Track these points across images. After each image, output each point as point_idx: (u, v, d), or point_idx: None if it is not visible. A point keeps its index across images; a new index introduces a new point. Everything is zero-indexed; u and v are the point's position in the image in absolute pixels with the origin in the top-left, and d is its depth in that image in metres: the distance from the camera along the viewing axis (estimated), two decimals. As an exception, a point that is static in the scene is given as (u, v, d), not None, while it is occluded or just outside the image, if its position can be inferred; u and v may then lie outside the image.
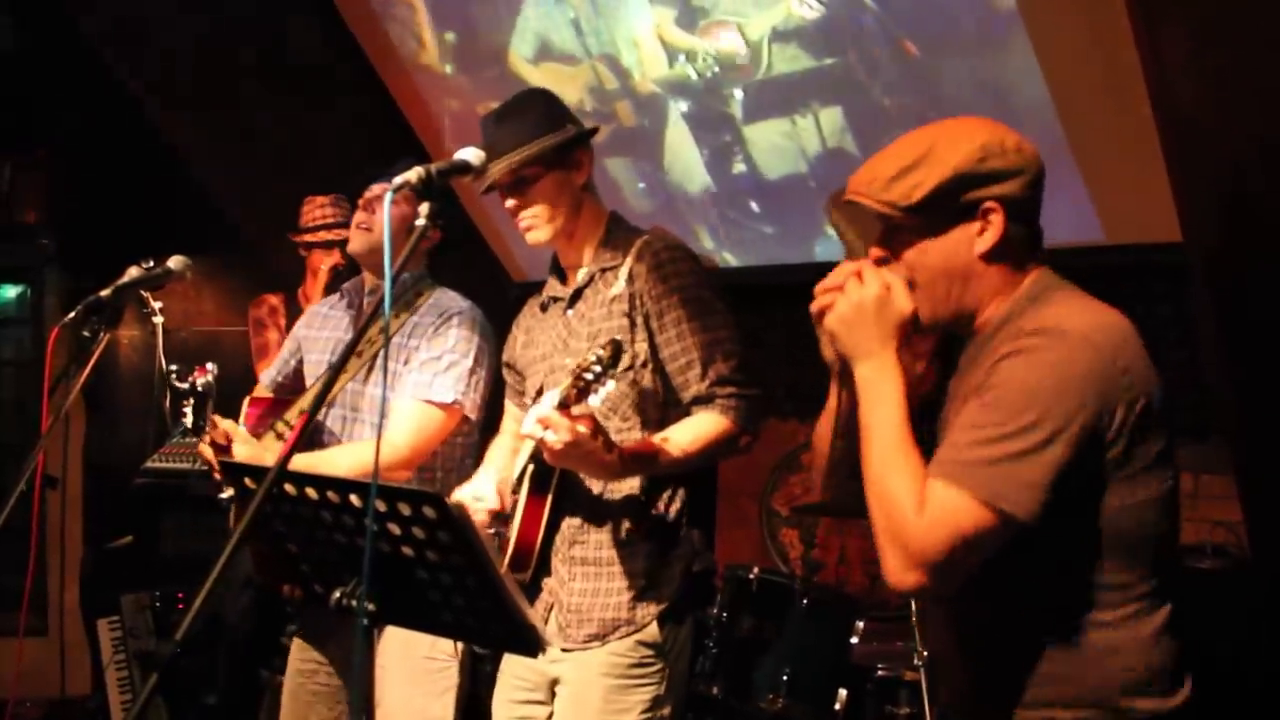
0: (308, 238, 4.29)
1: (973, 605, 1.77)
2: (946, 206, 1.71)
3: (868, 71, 4.05)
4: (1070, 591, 1.69)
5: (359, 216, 3.06)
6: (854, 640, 3.73)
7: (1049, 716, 1.71)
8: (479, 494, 2.62)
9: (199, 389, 2.69)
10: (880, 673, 3.64)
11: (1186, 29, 3.06)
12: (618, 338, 2.24)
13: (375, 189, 3.03)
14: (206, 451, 2.78)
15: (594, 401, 2.22)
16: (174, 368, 2.72)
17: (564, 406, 2.23)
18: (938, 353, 1.93)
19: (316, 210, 4.31)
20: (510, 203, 2.58)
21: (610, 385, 2.21)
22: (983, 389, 1.66)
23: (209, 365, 2.73)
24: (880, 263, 1.78)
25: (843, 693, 3.55)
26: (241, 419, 2.99)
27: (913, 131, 1.78)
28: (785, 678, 3.53)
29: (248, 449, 2.79)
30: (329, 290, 4.23)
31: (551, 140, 2.52)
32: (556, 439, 2.23)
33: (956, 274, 1.74)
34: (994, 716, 1.77)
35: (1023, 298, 1.75)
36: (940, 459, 1.66)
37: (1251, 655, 3.31)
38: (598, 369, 2.20)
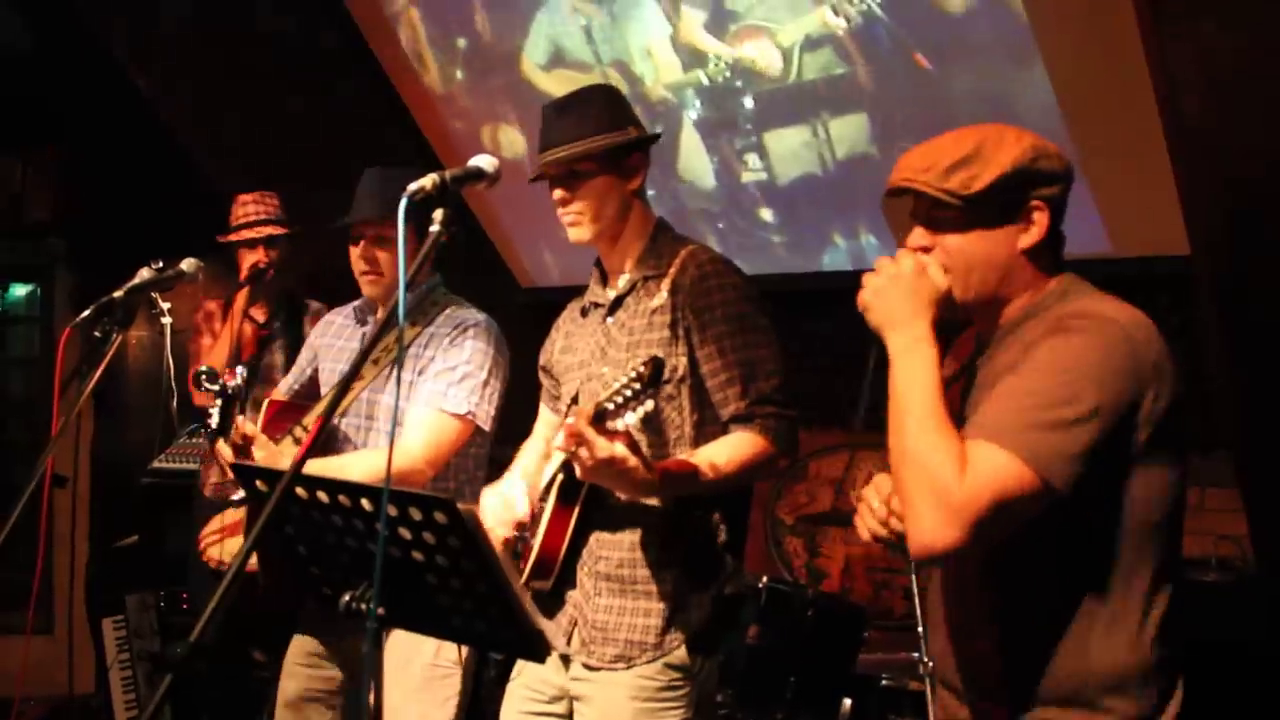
0: (231, 237, 4.23)
1: (984, 585, 1.80)
2: (999, 200, 1.77)
3: (880, 82, 4.06)
4: (1079, 576, 1.72)
5: (360, 266, 3.01)
6: (859, 650, 3.73)
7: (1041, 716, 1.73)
8: (510, 499, 2.55)
9: (228, 391, 2.70)
10: (885, 683, 3.65)
11: (1195, 43, 3.08)
12: (658, 355, 2.17)
13: (368, 231, 2.98)
14: (225, 451, 2.79)
15: (630, 419, 2.15)
16: (202, 370, 2.74)
17: (599, 421, 2.17)
18: (965, 368, 1.94)
19: (240, 209, 4.26)
20: (558, 194, 2.51)
21: (649, 404, 2.14)
22: (1022, 364, 1.71)
23: (238, 369, 2.74)
24: (924, 251, 1.82)
25: (847, 702, 3.56)
26: (259, 421, 3.00)
27: (954, 131, 1.84)
28: (790, 686, 3.54)
29: (265, 453, 2.80)
30: (250, 285, 4.17)
31: (610, 139, 2.46)
32: (589, 455, 2.18)
33: (997, 265, 1.80)
34: (992, 704, 1.79)
35: (1051, 294, 1.80)
36: (980, 422, 1.68)
37: (1256, 668, 3.31)
38: (637, 386, 2.14)
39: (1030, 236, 1.79)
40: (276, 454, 2.81)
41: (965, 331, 2.01)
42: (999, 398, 1.69)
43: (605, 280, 2.63)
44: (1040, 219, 1.78)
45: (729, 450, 2.37)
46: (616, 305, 2.56)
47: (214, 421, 2.75)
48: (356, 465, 2.87)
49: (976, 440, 1.65)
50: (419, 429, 2.89)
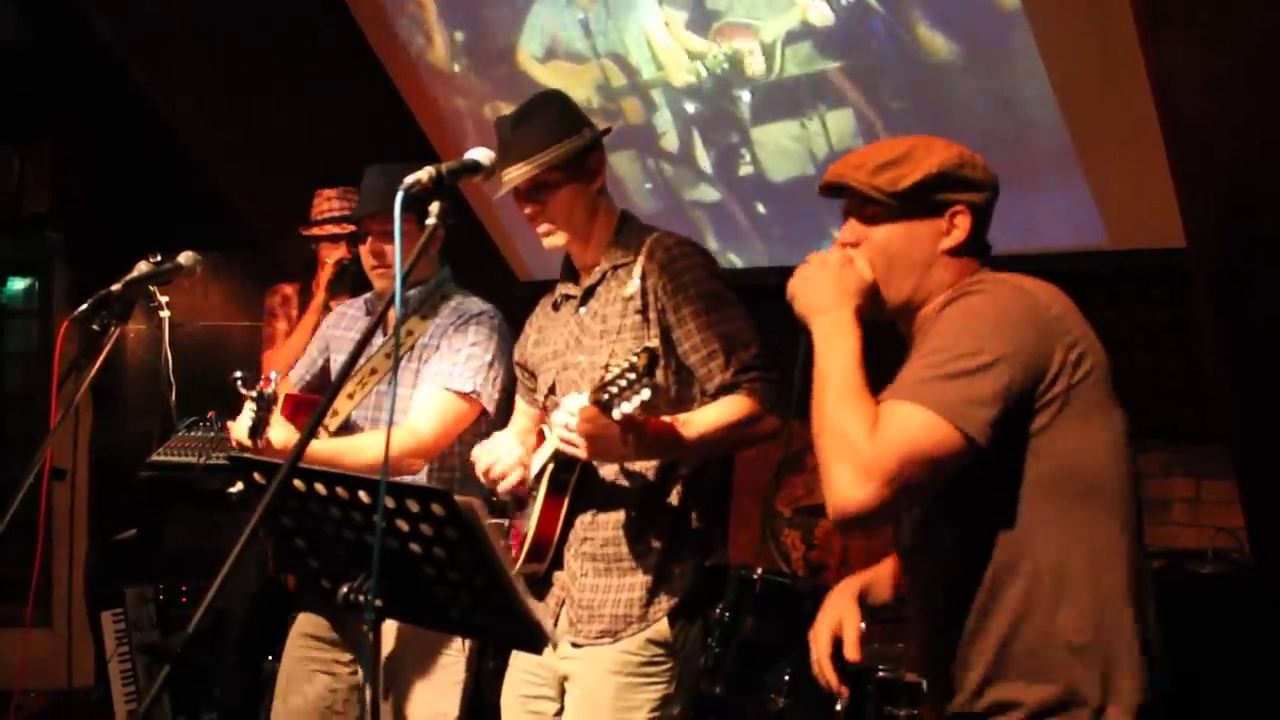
0: (315, 231, 4.30)
1: (934, 551, 1.84)
2: (924, 200, 1.85)
3: (876, 76, 4.06)
4: (1029, 533, 1.73)
5: (369, 261, 3.10)
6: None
7: (1011, 697, 1.75)
8: (505, 444, 2.61)
9: (264, 397, 2.73)
10: (881, 674, 3.65)
11: (1191, 35, 3.08)
12: (651, 345, 2.22)
13: (374, 226, 3.05)
14: (246, 444, 2.81)
15: (626, 408, 2.20)
16: (239, 374, 2.77)
17: (600, 410, 2.23)
18: None
19: (324, 204, 4.32)
20: (528, 209, 2.58)
21: (645, 394, 2.19)
22: (928, 334, 1.77)
23: (273, 375, 2.78)
24: (852, 245, 1.90)
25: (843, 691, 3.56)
26: (277, 411, 3.03)
27: (888, 139, 1.97)
28: (787, 678, 3.55)
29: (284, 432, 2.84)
30: (333, 285, 4.24)
31: (570, 145, 2.52)
32: (580, 437, 2.27)
33: (919, 262, 1.87)
34: (957, 677, 1.81)
35: (962, 285, 1.85)
36: (891, 387, 1.74)
37: (1254, 660, 3.32)
38: (632, 376, 2.19)
39: (952, 239, 1.86)
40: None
41: None
42: (908, 365, 1.76)
43: (575, 276, 2.70)
44: (962, 222, 1.86)
45: (718, 411, 2.45)
46: (588, 295, 2.63)
47: (247, 424, 2.77)
48: (369, 445, 2.92)
49: (886, 401, 1.72)
50: (426, 407, 2.94)
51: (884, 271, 1.88)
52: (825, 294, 1.85)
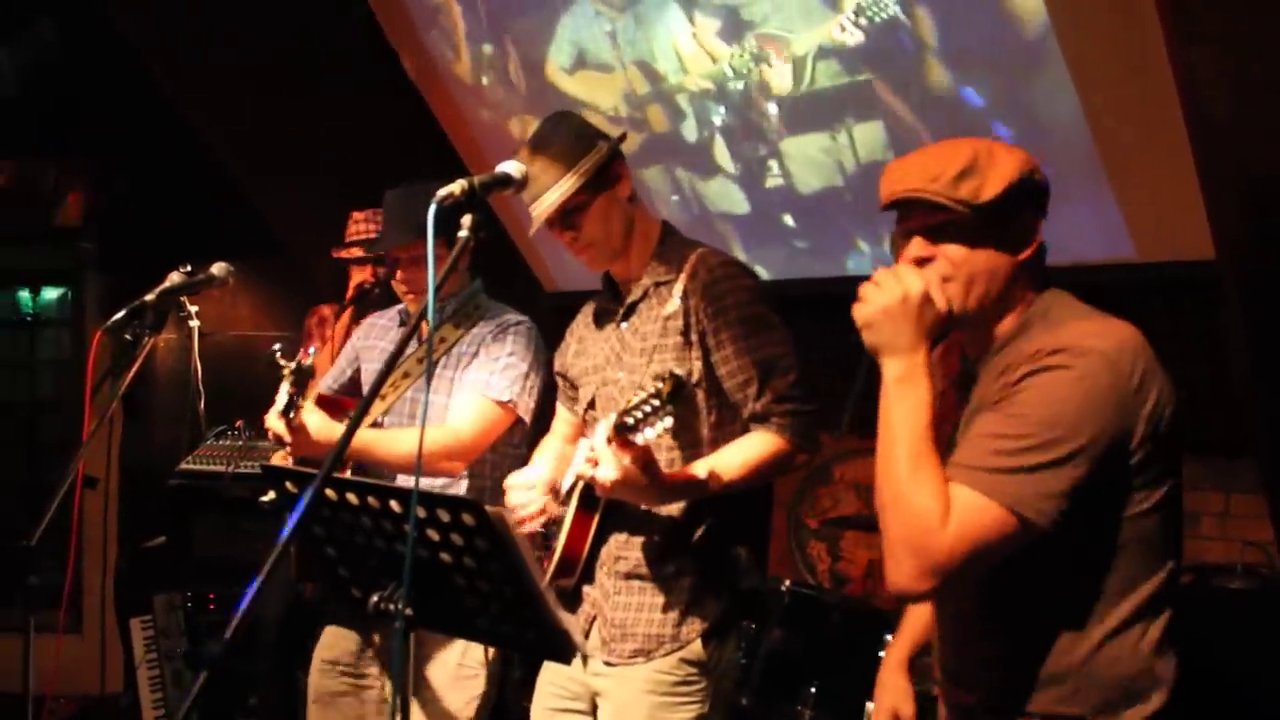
0: (343, 254, 4.32)
1: (984, 605, 1.81)
2: (1004, 210, 1.74)
3: (905, 89, 4.06)
4: (1079, 593, 1.72)
5: (400, 288, 3.13)
6: (882, 654, 3.73)
7: (1032, 709, 1.74)
8: (533, 482, 2.60)
9: (302, 369, 2.75)
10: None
11: (1219, 46, 3.07)
12: (678, 372, 2.20)
13: (401, 255, 3.06)
14: (280, 429, 2.82)
15: (649, 434, 2.19)
16: (278, 346, 2.79)
17: (620, 434, 2.22)
18: (956, 382, 1.95)
19: (353, 226, 4.34)
20: (566, 236, 2.55)
21: (668, 421, 2.18)
22: (1005, 401, 1.69)
23: (311, 349, 2.80)
24: (922, 262, 1.78)
25: (870, 706, 3.55)
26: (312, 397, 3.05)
27: (942, 143, 1.83)
28: (814, 690, 3.54)
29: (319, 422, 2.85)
30: (354, 304, 4.25)
31: (590, 163, 2.48)
32: (605, 477, 2.25)
33: (999, 276, 1.77)
34: (987, 709, 1.80)
35: (1036, 314, 1.79)
36: (961, 463, 1.68)
37: (1282, 676, 3.30)
38: (656, 403, 2.18)
39: (1030, 248, 1.78)
40: (333, 430, 2.84)
41: (948, 338, 1.99)
42: (981, 438, 1.69)
43: (616, 289, 2.67)
44: (1038, 231, 1.79)
45: (744, 452, 2.42)
46: (630, 311, 2.60)
47: (282, 400, 2.79)
48: (405, 438, 2.94)
49: (958, 485, 1.66)
50: (467, 414, 2.96)
51: (963, 287, 1.76)
52: (904, 334, 1.72)
